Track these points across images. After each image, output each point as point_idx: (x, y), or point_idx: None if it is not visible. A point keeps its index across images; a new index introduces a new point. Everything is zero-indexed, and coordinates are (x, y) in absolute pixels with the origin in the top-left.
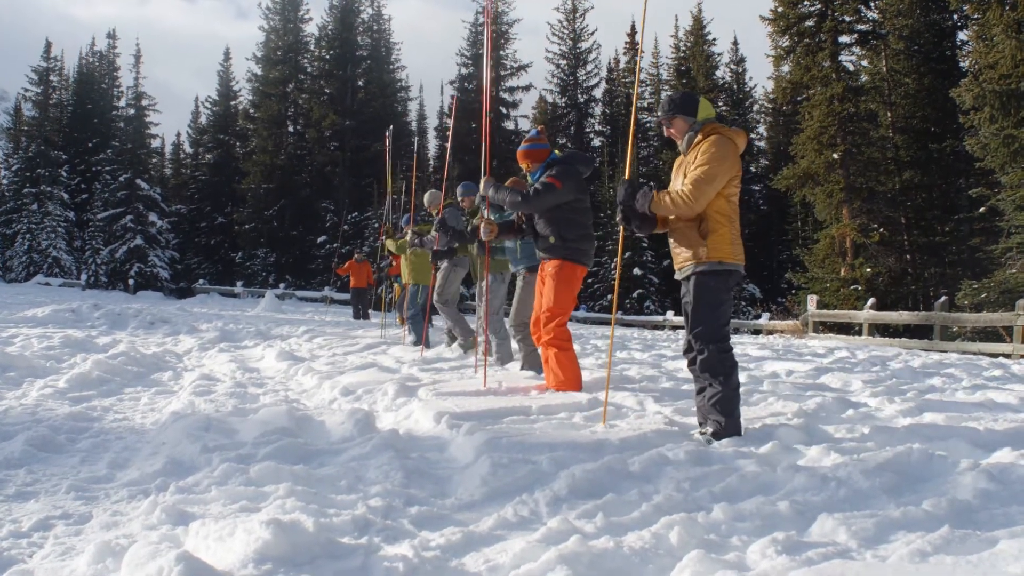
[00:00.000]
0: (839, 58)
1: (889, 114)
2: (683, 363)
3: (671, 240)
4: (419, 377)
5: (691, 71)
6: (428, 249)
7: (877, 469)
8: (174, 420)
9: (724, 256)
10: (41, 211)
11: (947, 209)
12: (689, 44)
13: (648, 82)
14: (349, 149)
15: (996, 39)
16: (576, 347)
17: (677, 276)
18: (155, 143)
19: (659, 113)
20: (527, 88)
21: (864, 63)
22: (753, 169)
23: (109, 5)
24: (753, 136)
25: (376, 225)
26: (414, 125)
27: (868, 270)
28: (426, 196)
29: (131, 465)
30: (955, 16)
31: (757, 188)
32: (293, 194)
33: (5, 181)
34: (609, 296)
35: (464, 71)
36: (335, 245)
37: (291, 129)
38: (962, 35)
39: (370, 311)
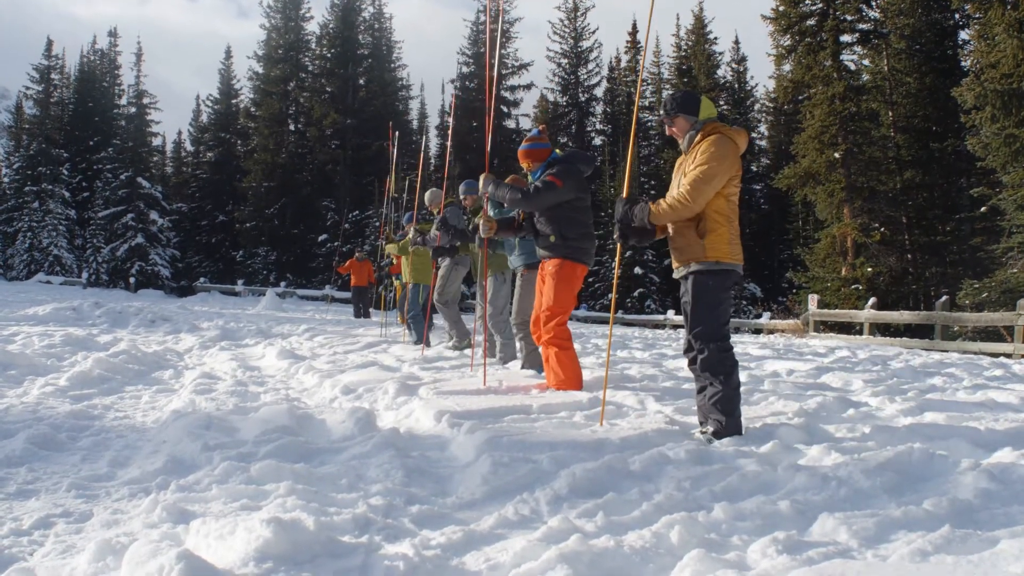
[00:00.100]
0: (840, 57)
1: (890, 113)
2: (684, 362)
3: (670, 240)
4: (420, 376)
5: (692, 70)
6: (430, 247)
7: (878, 468)
8: (175, 418)
9: (722, 256)
10: (42, 209)
11: (948, 208)
12: (690, 43)
13: (649, 81)
14: (350, 148)
15: (998, 38)
16: (577, 346)
17: (676, 275)
18: (156, 141)
19: (661, 112)
20: (528, 87)
21: (865, 62)
22: (754, 168)
23: (110, 4)
24: (754, 135)
25: (377, 224)
26: (415, 124)
27: (869, 269)
28: (427, 195)
29: (132, 463)
30: (956, 15)
31: (758, 187)
32: (294, 192)
33: (6, 179)
34: (610, 295)
35: (465, 70)
36: (336, 244)
37: (292, 127)
38: (963, 34)
39: (371, 310)
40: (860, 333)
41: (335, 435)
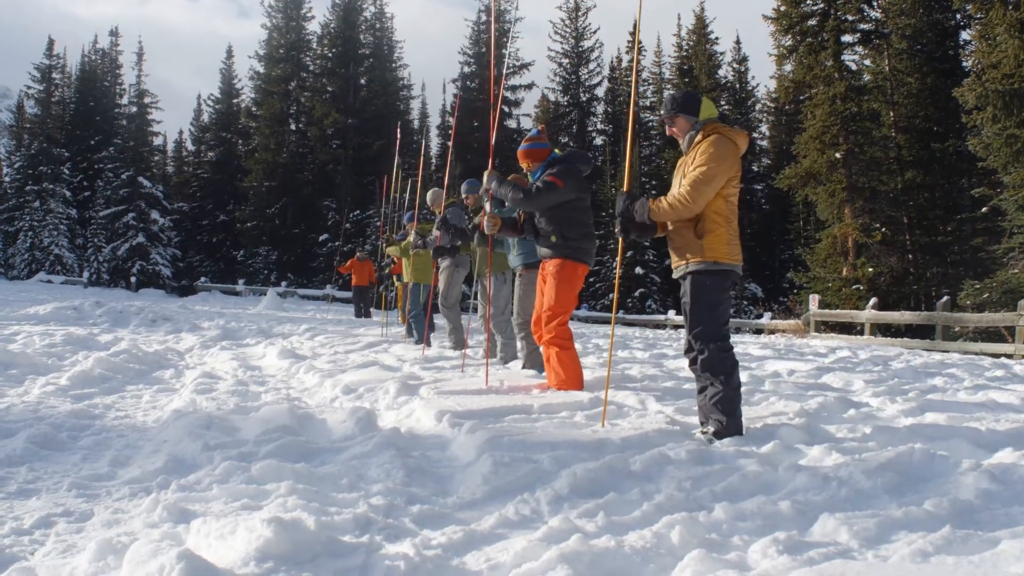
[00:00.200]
0: (842, 57)
1: (891, 113)
2: (684, 362)
3: (669, 240)
4: (420, 375)
5: (693, 70)
6: (430, 247)
7: (879, 469)
8: (176, 418)
9: (720, 256)
10: (43, 208)
11: (949, 209)
12: (691, 43)
13: (650, 81)
14: (351, 147)
15: (999, 39)
16: (577, 346)
17: (675, 275)
18: (157, 141)
19: (662, 112)
20: (529, 87)
21: (867, 62)
22: (755, 168)
23: (110, 4)
24: (755, 135)
25: (378, 223)
26: (416, 124)
27: (870, 270)
28: (428, 194)
29: (133, 463)
30: (958, 16)
31: (759, 187)
32: (295, 192)
33: (7, 178)
34: (611, 295)
35: (467, 69)
36: (337, 243)
37: (293, 127)
38: (965, 35)
39: (372, 309)
40: (861, 333)
41: (336, 435)
